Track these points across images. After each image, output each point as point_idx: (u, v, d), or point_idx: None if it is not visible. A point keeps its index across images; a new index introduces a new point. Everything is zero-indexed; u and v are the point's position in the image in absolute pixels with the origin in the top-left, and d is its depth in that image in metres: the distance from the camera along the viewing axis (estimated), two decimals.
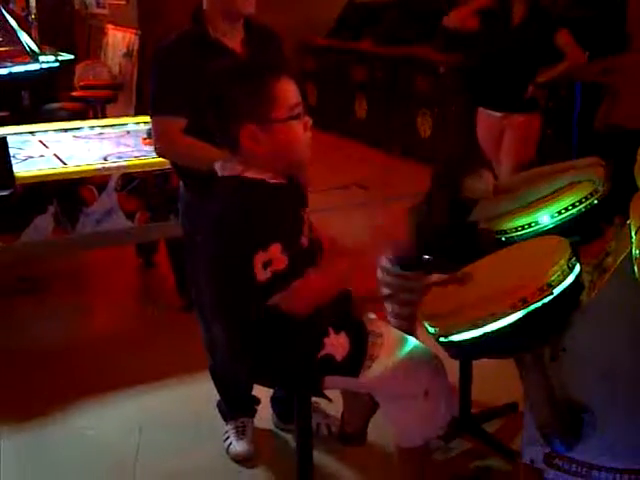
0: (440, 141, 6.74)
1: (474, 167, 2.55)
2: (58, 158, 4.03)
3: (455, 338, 1.93)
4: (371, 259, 2.19)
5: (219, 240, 2.00)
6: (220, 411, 2.99)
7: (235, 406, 2.98)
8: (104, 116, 7.19)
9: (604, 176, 2.38)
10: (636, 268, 1.73)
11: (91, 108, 7.31)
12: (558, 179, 2.43)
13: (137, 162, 3.88)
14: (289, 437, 2.97)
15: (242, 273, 1.89)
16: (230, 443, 2.91)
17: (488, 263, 2.22)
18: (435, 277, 2.62)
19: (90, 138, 4.54)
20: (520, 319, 1.82)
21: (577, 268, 1.92)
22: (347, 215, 5.16)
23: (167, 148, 2.66)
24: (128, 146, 4.27)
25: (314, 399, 2.28)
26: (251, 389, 2.94)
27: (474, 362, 2.76)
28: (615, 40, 5.36)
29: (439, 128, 6.86)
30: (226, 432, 2.95)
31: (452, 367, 2.47)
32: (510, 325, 1.83)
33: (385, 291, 2.69)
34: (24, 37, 7.27)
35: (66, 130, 4.72)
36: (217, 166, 2.06)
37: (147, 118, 2.73)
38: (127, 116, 6.25)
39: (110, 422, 3.16)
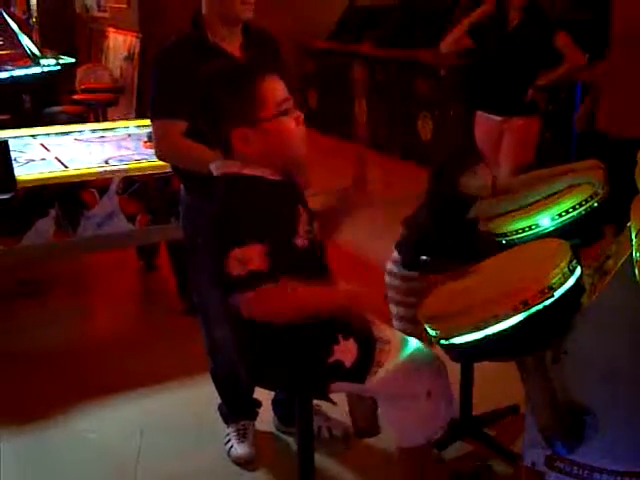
0: (440, 144, 6.74)
1: (469, 164, 2.55)
2: (59, 161, 4.03)
3: (456, 340, 1.93)
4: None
5: (215, 238, 2.00)
6: (221, 414, 3.00)
7: (236, 409, 2.98)
8: (105, 119, 7.21)
9: (603, 179, 2.39)
10: (637, 271, 1.73)
11: (92, 111, 7.32)
12: (557, 182, 2.43)
13: (138, 165, 3.89)
14: (290, 440, 2.97)
15: (219, 268, 1.88)
16: (231, 446, 2.91)
17: (489, 266, 2.23)
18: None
19: (91, 141, 4.55)
20: (521, 322, 1.82)
21: (578, 271, 1.92)
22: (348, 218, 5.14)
23: (167, 151, 2.67)
24: (129, 149, 4.27)
25: (315, 402, 2.28)
26: (252, 392, 2.94)
27: (475, 364, 2.76)
28: None
29: (440, 131, 6.86)
30: (227, 435, 2.95)
31: (453, 370, 2.46)
32: (511, 328, 1.83)
33: (390, 294, 2.69)
34: (25, 40, 7.29)
35: (67, 133, 4.72)
36: (212, 167, 2.08)
37: (148, 121, 2.73)
38: (128, 119, 6.27)
39: (111, 425, 3.16)
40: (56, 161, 4.04)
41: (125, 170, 3.83)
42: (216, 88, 2.01)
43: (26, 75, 6.89)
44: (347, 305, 1.98)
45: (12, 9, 9.30)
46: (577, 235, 2.23)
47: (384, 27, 7.96)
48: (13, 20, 7.59)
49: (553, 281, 1.83)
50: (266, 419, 3.06)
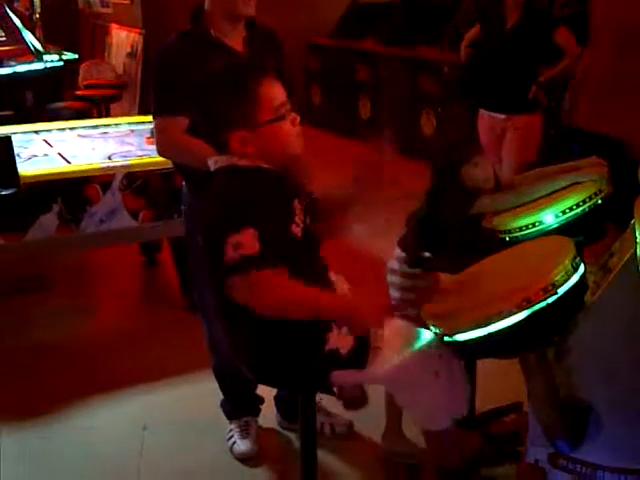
0: (443, 140, 6.73)
1: (470, 155, 2.54)
2: (62, 157, 4.03)
3: (459, 338, 1.93)
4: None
5: (212, 228, 2.01)
6: (224, 410, 3.00)
7: (239, 405, 2.98)
8: (108, 115, 7.21)
9: (607, 176, 2.39)
10: None
11: (95, 107, 7.32)
12: (561, 179, 2.43)
13: (141, 161, 3.89)
14: (293, 436, 2.97)
15: (216, 254, 1.89)
16: (234, 442, 2.92)
17: (492, 263, 2.22)
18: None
19: (94, 137, 4.55)
20: (524, 319, 1.82)
21: (581, 268, 1.92)
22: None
23: (168, 148, 2.67)
24: (132, 145, 4.28)
25: (317, 398, 2.28)
26: (255, 388, 2.95)
27: (478, 361, 2.76)
28: None
29: (442, 128, 6.85)
30: (230, 431, 2.95)
31: None
32: (514, 325, 1.83)
33: (394, 293, 2.68)
34: (28, 36, 7.29)
35: (70, 129, 4.73)
36: (210, 162, 2.08)
37: (151, 117, 2.73)
38: (131, 115, 6.27)
39: (114, 420, 3.17)
40: (59, 157, 4.05)
41: (128, 166, 3.83)
42: (213, 92, 2.02)
43: (29, 71, 6.88)
44: (346, 316, 1.98)
45: (15, 5, 9.29)
46: (581, 232, 2.23)
47: (387, 24, 7.95)
48: (16, 16, 7.59)
49: (556, 278, 1.83)
50: (269, 415, 3.07)
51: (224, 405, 3.00)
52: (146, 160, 3.88)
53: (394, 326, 2.17)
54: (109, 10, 9.26)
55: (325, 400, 2.93)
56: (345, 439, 2.97)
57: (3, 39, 7.15)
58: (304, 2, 8.39)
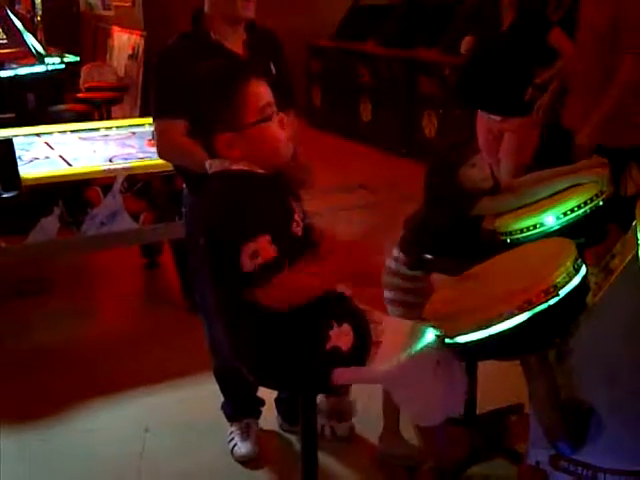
0: (444, 141, 6.73)
1: (467, 156, 2.54)
2: (63, 159, 4.03)
3: (461, 339, 1.93)
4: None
5: (211, 235, 2.01)
6: (225, 412, 3.00)
7: (239, 407, 2.98)
8: (109, 118, 7.22)
9: (608, 177, 2.38)
10: None
11: (96, 110, 7.32)
12: (563, 180, 2.43)
13: (142, 164, 3.89)
14: (293, 438, 2.97)
15: (230, 265, 1.90)
16: (235, 444, 2.92)
17: (493, 265, 2.22)
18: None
19: (95, 140, 4.55)
20: (526, 321, 1.82)
21: (583, 270, 1.91)
22: (352, 217, 5.15)
23: (168, 151, 2.67)
24: (133, 148, 4.28)
25: (318, 400, 2.28)
26: (256, 390, 2.94)
27: (479, 363, 2.75)
28: None
29: (444, 129, 6.86)
30: (231, 433, 2.95)
31: None
32: (516, 327, 1.83)
33: (390, 295, 2.67)
34: (30, 39, 7.30)
35: (71, 132, 4.73)
36: (207, 165, 2.09)
37: (152, 120, 2.74)
38: (132, 118, 6.27)
39: (115, 423, 3.16)
40: (60, 159, 4.05)
41: (129, 168, 3.83)
42: (198, 93, 2.03)
43: (30, 73, 6.89)
44: (350, 257, 2.00)
45: (17, 7, 9.30)
46: (582, 234, 2.22)
47: (388, 26, 7.95)
48: (17, 18, 7.60)
49: (558, 280, 1.83)
50: (269, 417, 3.06)
51: (225, 407, 3.00)
52: (147, 162, 3.88)
53: (396, 324, 2.17)
54: (110, 12, 9.27)
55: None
56: (346, 442, 2.96)
57: (4, 42, 7.16)
58: (305, 4, 8.39)
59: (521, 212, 2.39)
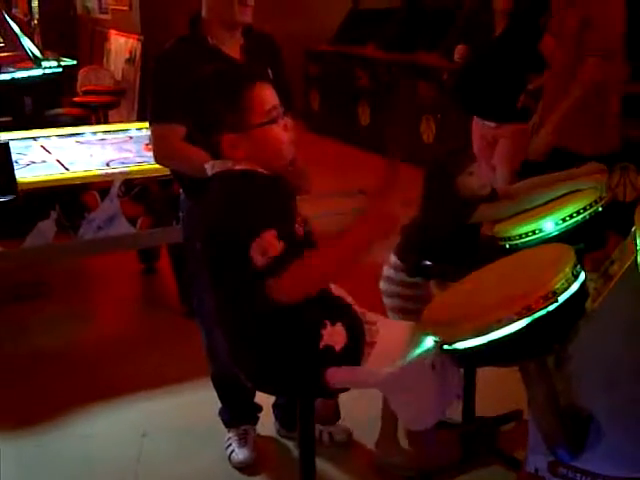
0: (443, 147, 6.73)
1: (465, 164, 2.54)
2: (60, 164, 4.03)
3: (459, 346, 1.93)
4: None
5: (214, 234, 2.01)
6: (222, 418, 2.98)
7: (237, 413, 2.97)
8: (106, 122, 7.22)
9: (607, 183, 2.38)
10: None
11: (93, 114, 7.33)
12: (562, 186, 2.43)
13: (139, 168, 3.89)
14: (291, 444, 2.96)
15: (240, 263, 1.90)
16: (232, 450, 2.90)
17: (492, 270, 2.21)
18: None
19: (92, 144, 4.55)
20: (525, 327, 1.82)
21: (582, 276, 1.91)
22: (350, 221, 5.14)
23: (165, 155, 2.66)
24: (130, 152, 4.27)
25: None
26: (253, 396, 2.93)
27: (478, 369, 2.75)
28: None
29: (442, 134, 6.85)
30: (228, 439, 2.94)
31: None
32: (515, 333, 1.82)
33: (390, 302, 2.67)
34: (27, 42, 7.30)
35: (68, 135, 4.73)
36: (207, 166, 2.09)
37: (148, 124, 2.73)
38: (129, 122, 6.27)
39: (113, 428, 3.15)
40: (57, 163, 4.04)
41: (126, 173, 3.83)
42: (205, 94, 2.03)
43: (27, 77, 6.89)
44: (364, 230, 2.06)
45: (13, 11, 9.30)
46: (581, 240, 2.22)
47: (387, 30, 7.96)
48: (14, 22, 7.60)
49: (557, 286, 1.83)
50: (267, 423, 3.05)
51: (222, 413, 2.99)
52: (144, 167, 3.87)
53: (392, 325, 2.16)
54: (108, 16, 9.28)
55: None
56: (344, 447, 2.95)
57: (2, 45, 7.17)
58: (304, 9, 8.40)
59: (520, 218, 2.39)
